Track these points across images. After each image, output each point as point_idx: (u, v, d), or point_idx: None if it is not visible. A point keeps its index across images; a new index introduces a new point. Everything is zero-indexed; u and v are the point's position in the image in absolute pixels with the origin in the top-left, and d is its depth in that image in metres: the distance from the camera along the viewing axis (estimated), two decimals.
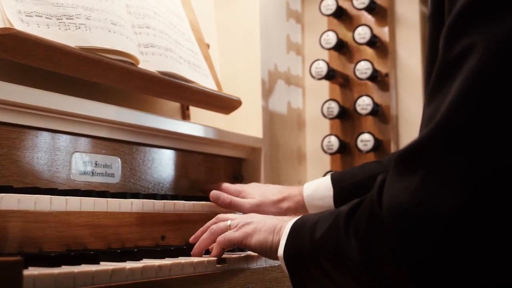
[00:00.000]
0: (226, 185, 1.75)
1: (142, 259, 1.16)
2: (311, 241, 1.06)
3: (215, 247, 1.29)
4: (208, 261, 1.22)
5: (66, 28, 1.32)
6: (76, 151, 1.46)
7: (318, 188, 1.67)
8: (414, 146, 0.84)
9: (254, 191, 1.69)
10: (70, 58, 1.30)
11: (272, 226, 1.22)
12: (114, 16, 1.45)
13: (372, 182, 1.63)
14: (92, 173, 1.51)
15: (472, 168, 0.75)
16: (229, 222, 1.32)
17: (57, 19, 1.32)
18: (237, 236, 1.26)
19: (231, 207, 1.60)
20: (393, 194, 0.85)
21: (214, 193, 1.60)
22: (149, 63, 1.54)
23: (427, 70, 1.00)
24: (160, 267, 1.08)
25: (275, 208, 1.65)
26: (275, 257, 1.19)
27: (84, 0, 1.39)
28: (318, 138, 2.41)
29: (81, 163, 1.48)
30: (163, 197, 1.55)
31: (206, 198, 1.62)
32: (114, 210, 1.30)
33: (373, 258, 0.91)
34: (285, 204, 1.67)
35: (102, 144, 1.54)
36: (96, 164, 1.52)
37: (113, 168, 1.58)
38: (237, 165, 2.10)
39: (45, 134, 1.37)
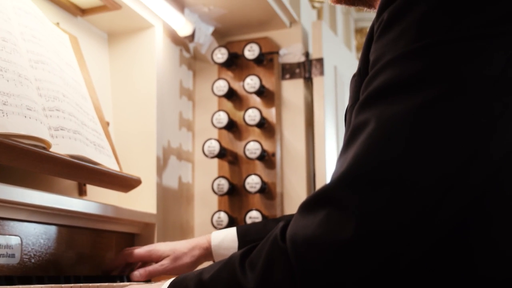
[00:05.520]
0: (135, 251, 1.84)
1: None
2: (198, 283, 1.10)
3: None
4: None
5: None
6: None
7: (224, 239, 1.82)
8: (318, 192, 0.96)
9: (164, 248, 1.82)
10: None
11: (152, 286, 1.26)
12: (29, 101, 1.47)
13: None
14: None
15: (364, 207, 0.89)
16: None
17: None
18: None
19: (150, 276, 1.69)
20: (298, 229, 0.96)
21: (134, 275, 1.70)
22: (59, 146, 1.56)
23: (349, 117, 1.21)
24: None
25: (189, 258, 1.80)
26: None
27: (1, 85, 1.41)
28: (206, 212, 2.50)
29: None
30: (67, 279, 1.55)
31: (109, 278, 1.64)
32: None
33: (270, 284, 0.99)
34: (196, 252, 1.81)
35: (4, 225, 1.53)
36: None
37: (14, 248, 1.56)
38: (130, 240, 2.12)
39: None
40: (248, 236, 1.80)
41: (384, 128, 0.91)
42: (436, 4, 0.92)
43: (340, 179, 0.92)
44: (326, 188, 0.95)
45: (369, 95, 0.96)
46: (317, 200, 0.96)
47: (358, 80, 1.12)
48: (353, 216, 0.89)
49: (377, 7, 1.32)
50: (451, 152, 0.88)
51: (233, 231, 1.83)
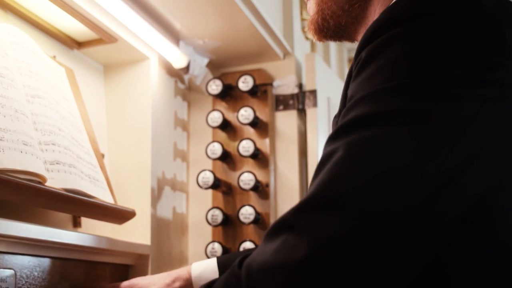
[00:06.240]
0: (113, 285, 1.82)
1: None
2: None
3: None
4: None
5: None
6: None
7: (205, 270, 1.81)
8: (279, 219, 0.96)
9: (144, 282, 1.80)
10: None
11: None
12: (25, 136, 1.49)
13: None
14: None
15: (318, 231, 0.88)
16: None
17: None
18: None
19: None
20: (256, 256, 0.97)
21: None
22: (54, 180, 1.57)
23: None
24: None
25: None
26: None
27: None
28: (200, 243, 2.51)
29: None
30: None
31: None
32: None
33: None
34: (177, 284, 1.79)
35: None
36: None
37: (7, 281, 1.56)
38: (124, 271, 2.12)
39: None
40: (227, 266, 1.77)
41: (349, 156, 0.91)
42: (412, 47, 0.94)
43: (299, 206, 0.93)
44: (286, 215, 0.95)
45: (340, 127, 0.96)
46: (276, 227, 0.96)
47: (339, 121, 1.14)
48: (307, 239, 0.88)
49: (359, 39, 1.37)
50: (416, 185, 0.88)
51: (213, 261, 1.82)
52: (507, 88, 0.92)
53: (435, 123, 0.90)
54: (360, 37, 1.35)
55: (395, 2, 1.02)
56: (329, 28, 1.35)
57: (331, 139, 0.97)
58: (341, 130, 0.96)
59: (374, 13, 1.29)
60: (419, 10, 0.97)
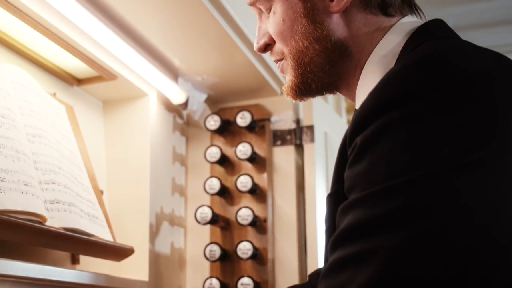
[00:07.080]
0: None
1: None
2: None
3: None
4: None
5: None
6: None
7: None
8: None
9: None
10: None
11: None
12: (26, 177, 1.50)
13: None
14: None
15: None
16: None
17: None
18: None
19: None
20: None
21: None
22: (54, 220, 1.58)
23: (327, 240, 1.21)
24: None
25: None
26: None
27: None
28: (198, 278, 2.51)
29: None
30: None
31: None
32: None
33: None
34: None
35: None
36: None
37: None
38: None
39: None
40: None
41: (360, 273, 0.88)
42: (404, 137, 0.92)
43: None
44: None
45: (344, 231, 0.94)
46: None
47: (335, 201, 1.13)
48: None
49: (342, 90, 1.35)
50: None
51: None
52: (505, 161, 0.91)
53: (437, 222, 0.87)
54: (343, 90, 1.35)
55: (384, 82, 0.99)
56: (311, 89, 1.34)
57: (336, 245, 0.95)
58: (346, 236, 0.93)
59: (356, 68, 1.29)
60: (408, 93, 0.94)
